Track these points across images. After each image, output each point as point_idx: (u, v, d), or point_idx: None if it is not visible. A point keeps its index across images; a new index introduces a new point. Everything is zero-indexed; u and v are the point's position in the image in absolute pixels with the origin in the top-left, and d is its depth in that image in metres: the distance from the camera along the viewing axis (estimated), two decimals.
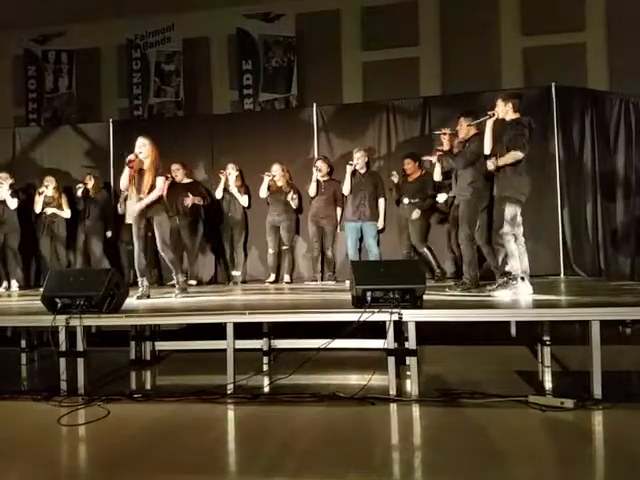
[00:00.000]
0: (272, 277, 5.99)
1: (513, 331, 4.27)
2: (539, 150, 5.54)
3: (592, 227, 5.74)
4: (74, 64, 8.29)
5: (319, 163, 5.88)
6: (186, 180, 6.15)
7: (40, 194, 6.02)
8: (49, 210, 6.04)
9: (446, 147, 4.76)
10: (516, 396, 2.66)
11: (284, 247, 5.92)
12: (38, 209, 6.05)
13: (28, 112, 8.34)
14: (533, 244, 5.47)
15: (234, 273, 6.14)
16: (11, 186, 6.01)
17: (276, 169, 5.92)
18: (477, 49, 7.21)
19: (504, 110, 3.67)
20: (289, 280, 5.94)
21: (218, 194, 6.12)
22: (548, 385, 3.11)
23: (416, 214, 5.35)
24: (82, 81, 8.31)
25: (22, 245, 6.09)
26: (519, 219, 3.64)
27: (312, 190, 5.88)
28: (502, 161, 3.61)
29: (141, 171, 4.20)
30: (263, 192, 5.95)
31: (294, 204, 5.93)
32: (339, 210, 5.92)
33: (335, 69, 7.73)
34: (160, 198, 4.24)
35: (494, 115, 3.67)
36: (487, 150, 3.72)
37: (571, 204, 5.73)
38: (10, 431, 2.57)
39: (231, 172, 6.06)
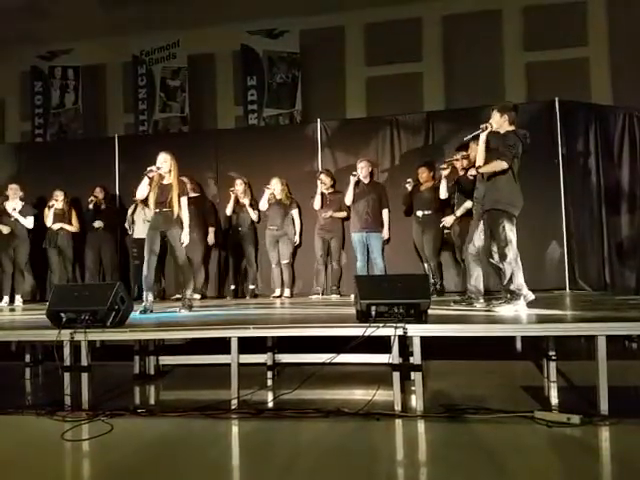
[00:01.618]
0: (277, 292, 5.99)
1: (518, 346, 4.24)
2: (543, 164, 5.56)
3: (597, 241, 5.73)
4: (80, 80, 8.41)
5: (322, 176, 5.93)
6: (192, 194, 6.20)
7: (50, 208, 6.08)
8: (56, 225, 6.11)
9: (461, 172, 4.69)
10: (522, 412, 2.63)
11: (284, 261, 5.93)
12: (49, 222, 6.10)
13: (35, 127, 8.44)
14: (538, 258, 5.49)
15: (251, 287, 6.15)
16: (22, 199, 6.09)
17: (275, 182, 5.96)
18: (480, 64, 7.29)
19: (499, 122, 3.59)
20: (289, 295, 5.94)
21: (228, 211, 6.16)
22: (554, 400, 3.08)
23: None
24: (88, 97, 8.43)
25: (30, 258, 6.14)
26: None
27: (317, 203, 5.91)
28: (485, 168, 3.54)
29: (162, 185, 4.27)
30: (263, 205, 5.99)
31: (295, 215, 5.97)
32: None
33: (339, 85, 7.82)
34: (178, 215, 4.30)
35: (487, 128, 3.58)
36: (479, 162, 3.65)
37: (576, 218, 5.73)
38: (14, 446, 2.56)
39: (239, 187, 6.11)
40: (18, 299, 6.01)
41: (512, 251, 3.49)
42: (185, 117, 8.06)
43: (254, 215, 6.13)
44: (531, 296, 3.56)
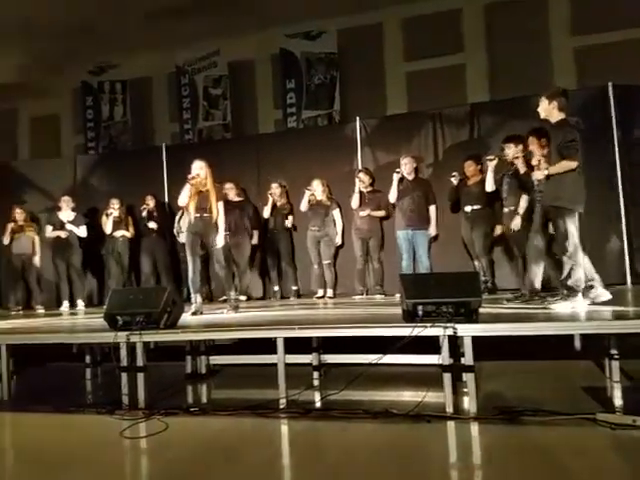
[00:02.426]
0: (320, 292, 6.00)
1: (577, 344, 4.02)
2: (597, 153, 5.27)
3: None
4: (128, 93, 8.76)
5: (361, 175, 5.89)
6: (237, 199, 6.35)
7: (108, 216, 6.38)
8: (117, 233, 6.41)
9: (522, 170, 4.44)
10: (583, 414, 2.49)
11: (325, 262, 5.94)
12: (108, 230, 6.41)
13: (87, 140, 8.87)
14: (596, 252, 5.18)
15: (293, 287, 6.22)
16: (73, 210, 6.45)
17: (316, 184, 5.97)
18: (525, 52, 7.00)
19: (548, 109, 3.45)
20: (332, 295, 5.92)
21: (266, 214, 6.25)
22: (618, 402, 2.90)
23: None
24: (135, 109, 8.76)
25: (86, 264, 6.47)
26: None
27: (355, 202, 5.87)
28: (554, 169, 3.40)
29: (201, 192, 4.42)
30: (304, 206, 6.02)
31: (337, 215, 5.96)
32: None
33: (378, 82, 7.72)
34: (216, 220, 4.43)
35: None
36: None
37: (636, 209, 5.39)
38: (77, 443, 2.69)
39: (276, 191, 6.19)
40: (80, 303, 6.38)
41: (572, 245, 3.34)
42: (227, 124, 8.23)
43: (289, 220, 6.20)
44: (605, 295, 3.38)
